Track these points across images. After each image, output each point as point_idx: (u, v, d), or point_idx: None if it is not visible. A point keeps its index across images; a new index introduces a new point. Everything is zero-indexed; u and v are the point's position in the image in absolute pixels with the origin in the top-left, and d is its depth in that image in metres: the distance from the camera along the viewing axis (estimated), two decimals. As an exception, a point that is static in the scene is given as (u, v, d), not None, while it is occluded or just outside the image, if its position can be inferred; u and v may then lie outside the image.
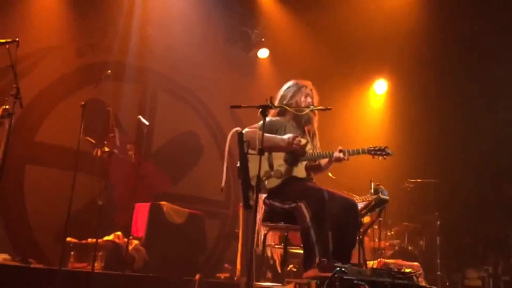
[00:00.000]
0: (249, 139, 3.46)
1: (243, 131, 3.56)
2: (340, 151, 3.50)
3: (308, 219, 3.26)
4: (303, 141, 3.56)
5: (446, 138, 7.62)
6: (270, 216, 3.61)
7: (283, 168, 3.55)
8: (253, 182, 3.43)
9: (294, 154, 3.57)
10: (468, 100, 7.44)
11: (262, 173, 3.43)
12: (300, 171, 3.61)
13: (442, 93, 7.65)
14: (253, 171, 3.32)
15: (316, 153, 3.64)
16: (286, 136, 3.54)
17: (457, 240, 7.05)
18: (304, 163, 3.64)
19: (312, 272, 3.09)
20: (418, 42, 7.40)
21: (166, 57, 7.32)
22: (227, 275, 6.13)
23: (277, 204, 3.52)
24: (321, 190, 3.35)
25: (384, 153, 3.51)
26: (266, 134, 3.41)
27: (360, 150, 3.51)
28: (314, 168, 3.74)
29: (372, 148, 3.52)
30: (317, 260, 3.14)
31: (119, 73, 6.74)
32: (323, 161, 3.73)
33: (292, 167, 3.57)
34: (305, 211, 3.29)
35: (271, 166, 3.55)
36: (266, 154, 3.50)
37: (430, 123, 7.67)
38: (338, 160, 3.51)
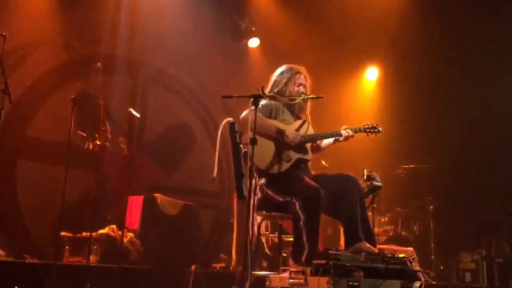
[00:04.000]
0: (248, 121, 3.39)
1: (243, 114, 3.54)
2: (346, 129, 3.61)
3: (301, 222, 3.28)
4: (298, 138, 3.54)
5: (437, 123, 7.65)
6: (265, 205, 3.61)
7: (292, 152, 3.56)
8: (262, 166, 3.45)
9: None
10: (459, 85, 7.47)
11: (269, 157, 3.46)
12: (308, 153, 3.63)
13: (433, 79, 7.67)
14: (259, 155, 3.30)
15: (321, 134, 3.66)
16: (290, 134, 3.53)
17: (450, 225, 7.10)
18: (309, 144, 3.65)
19: (294, 266, 3.18)
20: (409, 29, 7.40)
21: (156, 49, 7.26)
22: (223, 265, 6.15)
23: (271, 194, 3.52)
24: (318, 189, 3.31)
25: (375, 130, 3.65)
26: (265, 120, 3.45)
27: (357, 128, 3.64)
28: (313, 148, 3.76)
29: (366, 126, 3.66)
30: (303, 258, 3.20)
31: (109, 66, 6.67)
32: (325, 142, 3.77)
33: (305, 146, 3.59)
34: (300, 213, 3.30)
35: (279, 149, 3.54)
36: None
37: (421, 109, 7.69)
38: (347, 138, 3.61)
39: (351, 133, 3.58)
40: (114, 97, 6.67)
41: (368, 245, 3.21)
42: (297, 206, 3.31)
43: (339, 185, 3.42)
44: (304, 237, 3.25)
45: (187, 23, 7.34)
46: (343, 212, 3.39)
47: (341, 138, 3.62)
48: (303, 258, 3.22)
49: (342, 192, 3.39)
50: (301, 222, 3.27)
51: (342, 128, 3.61)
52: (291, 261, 3.32)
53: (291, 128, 3.63)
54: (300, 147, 3.58)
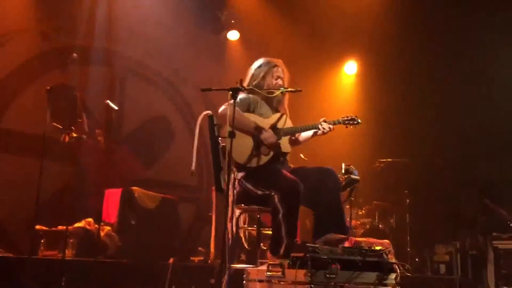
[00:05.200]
0: (225, 116, 3.37)
1: (221, 108, 3.52)
2: (325, 121, 3.59)
3: (280, 215, 3.28)
4: (272, 138, 3.53)
5: (415, 117, 7.75)
6: (244, 198, 3.61)
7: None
8: (240, 160, 3.44)
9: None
10: (438, 80, 7.58)
11: (248, 151, 3.45)
12: (285, 145, 3.62)
13: (411, 74, 7.76)
14: (237, 149, 3.29)
15: (299, 127, 3.65)
16: (266, 133, 3.51)
17: (426, 218, 7.23)
18: (287, 137, 3.65)
19: (272, 259, 3.19)
20: (387, 24, 7.47)
21: (134, 40, 7.18)
22: (201, 258, 6.14)
23: (251, 187, 3.52)
24: (297, 182, 3.31)
25: (355, 122, 3.64)
26: (242, 115, 3.43)
27: (336, 121, 3.63)
28: (291, 142, 3.74)
29: (345, 118, 3.64)
30: (282, 251, 3.22)
31: (86, 57, 6.59)
32: (304, 135, 3.76)
33: (278, 142, 3.57)
34: (279, 206, 3.30)
35: (257, 143, 3.53)
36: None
37: (399, 103, 7.78)
38: (326, 132, 3.59)
39: (328, 127, 3.56)
40: (91, 88, 6.58)
41: (337, 236, 3.24)
42: (276, 199, 3.31)
43: (318, 177, 3.44)
44: (283, 230, 3.26)
45: (166, 14, 7.27)
46: (318, 204, 3.41)
47: (319, 132, 3.61)
48: (282, 251, 3.23)
49: (320, 184, 3.41)
50: (280, 215, 3.28)
51: (320, 121, 3.60)
52: (269, 254, 3.33)
53: (268, 123, 3.62)
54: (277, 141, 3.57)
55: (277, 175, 3.40)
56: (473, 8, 7.04)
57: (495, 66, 7.08)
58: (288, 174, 3.42)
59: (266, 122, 3.63)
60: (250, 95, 3.69)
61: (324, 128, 3.57)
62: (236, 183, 3.57)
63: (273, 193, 3.35)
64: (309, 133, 3.72)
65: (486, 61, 7.10)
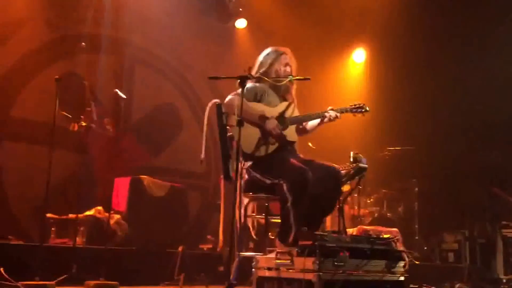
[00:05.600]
0: (231, 107, 3.43)
1: (227, 98, 3.52)
2: (332, 110, 3.58)
3: (289, 203, 3.27)
4: (277, 129, 3.51)
5: (424, 106, 7.70)
6: (252, 187, 3.62)
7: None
8: (247, 150, 3.44)
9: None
10: (444, 68, 7.51)
11: (254, 140, 3.45)
12: (291, 134, 3.61)
13: (420, 62, 7.69)
14: (244, 138, 3.29)
15: (306, 115, 3.64)
16: (269, 124, 3.49)
17: (434, 206, 7.21)
18: (294, 126, 3.64)
19: (280, 247, 3.20)
20: (397, 12, 7.39)
21: (142, 28, 7.17)
22: (210, 246, 6.18)
23: (258, 176, 3.52)
24: (305, 170, 3.30)
25: (363, 110, 3.64)
26: (248, 105, 3.40)
27: (344, 109, 3.63)
28: (299, 131, 3.74)
29: (353, 106, 3.65)
30: (291, 238, 3.22)
31: (94, 45, 6.58)
32: (311, 124, 3.74)
33: (282, 132, 3.56)
34: (287, 194, 3.28)
35: (264, 132, 3.52)
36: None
37: (407, 91, 7.73)
38: (333, 119, 3.58)
39: (334, 115, 3.56)
40: (100, 77, 6.59)
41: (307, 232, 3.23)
42: (285, 188, 3.31)
43: (322, 175, 3.40)
44: (292, 218, 3.26)
45: (173, 2, 7.24)
46: (314, 198, 3.40)
47: (325, 120, 3.59)
48: (291, 239, 3.23)
49: (321, 182, 3.38)
50: (289, 204, 3.27)
51: (328, 109, 3.59)
52: (278, 242, 3.34)
53: (276, 112, 3.60)
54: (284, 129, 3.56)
55: (285, 163, 3.40)
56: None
57: (504, 55, 7.00)
58: (296, 162, 3.41)
59: (273, 111, 3.62)
60: (257, 84, 3.68)
61: (331, 116, 3.57)
62: (244, 171, 3.58)
63: (281, 182, 3.34)
64: (316, 121, 3.70)
65: (495, 50, 7.02)
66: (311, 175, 3.29)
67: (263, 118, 3.50)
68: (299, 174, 3.29)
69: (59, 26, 6.44)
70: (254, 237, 5.33)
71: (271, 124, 3.49)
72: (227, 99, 3.55)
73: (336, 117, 3.58)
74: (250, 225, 5.34)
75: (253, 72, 3.65)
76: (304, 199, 3.29)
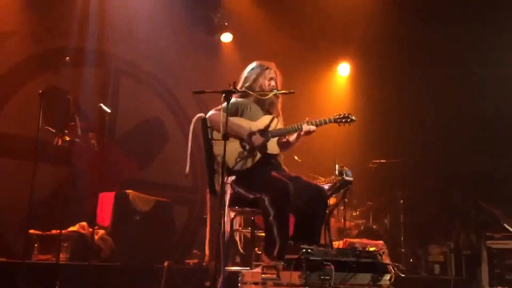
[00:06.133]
0: (214, 122, 3.47)
1: (208, 114, 3.54)
2: (308, 122, 3.53)
3: (271, 217, 3.28)
4: (259, 140, 3.52)
5: (408, 118, 7.78)
6: (236, 201, 3.61)
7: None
8: (229, 165, 3.45)
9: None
10: (429, 80, 7.61)
11: (235, 154, 3.45)
12: (273, 147, 3.61)
13: (404, 75, 7.79)
14: (228, 154, 3.28)
15: (284, 128, 3.64)
16: (246, 133, 3.52)
17: (420, 217, 7.25)
18: (276, 139, 3.64)
19: (267, 261, 3.19)
20: (379, 26, 7.50)
21: (127, 41, 7.16)
22: (196, 260, 6.13)
23: (242, 191, 3.52)
24: (286, 183, 3.31)
25: (349, 119, 3.57)
26: (231, 120, 3.41)
27: (327, 119, 3.57)
28: (283, 144, 3.73)
29: (337, 116, 3.58)
30: (275, 252, 3.21)
31: (78, 59, 6.55)
32: (292, 137, 3.73)
33: (266, 145, 3.56)
34: (269, 208, 3.29)
35: (243, 146, 3.53)
36: None
37: (392, 104, 7.81)
38: (309, 133, 3.52)
39: (312, 128, 3.50)
40: (84, 91, 6.55)
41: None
42: (266, 201, 3.31)
43: (309, 194, 3.42)
44: (275, 232, 3.26)
45: (159, 15, 7.26)
46: (300, 216, 3.43)
47: (302, 133, 3.55)
48: (275, 252, 3.23)
49: (309, 202, 3.40)
50: (271, 217, 3.28)
51: (305, 121, 3.54)
52: (264, 256, 3.33)
53: (257, 126, 3.62)
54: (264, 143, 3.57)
55: (266, 177, 3.41)
56: (468, 6, 7.07)
57: (488, 65, 7.12)
58: (278, 175, 3.43)
59: (254, 125, 3.63)
60: (239, 99, 3.70)
61: (306, 130, 3.52)
62: (229, 186, 3.58)
63: (263, 196, 3.34)
64: (295, 135, 3.69)
65: (479, 60, 7.13)
66: (292, 187, 3.30)
67: (243, 130, 3.53)
68: (280, 187, 3.30)
69: (43, 40, 6.40)
70: (241, 251, 5.30)
71: (252, 136, 3.52)
72: (209, 114, 3.56)
73: (312, 131, 3.52)
74: (237, 239, 5.31)
75: (238, 87, 3.66)
76: (286, 212, 3.29)
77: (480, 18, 7.04)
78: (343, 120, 3.57)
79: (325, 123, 3.57)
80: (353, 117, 3.58)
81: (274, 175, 3.42)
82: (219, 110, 3.51)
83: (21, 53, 6.23)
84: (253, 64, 3.80)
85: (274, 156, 3.64)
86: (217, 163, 3.47)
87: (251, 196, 3.46)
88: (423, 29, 7.49)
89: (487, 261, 6.02)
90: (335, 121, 3.58)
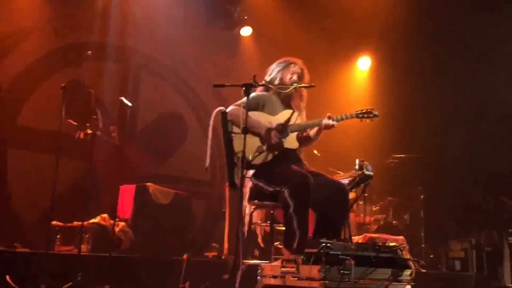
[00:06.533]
0: (233, 117, 3.47)
1: (228, 109, 3.55)
2: (329, 117, 3.50)
3: (291, 209, 3.28)
4: (275, 138, 3.51)
5: (429, 112, 7.68)
6: (256, 195, 3.62)
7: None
8: (248, 158, 3.45)
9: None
10: (450, 74, 7.49)
11: (254, 149, 3.45)
12: (291, 142, 3.60)
13: (424, 69, 7.69)
14: (247, 147, 3.28)
15: (304, 123, 3.63)
16: (264, 130, 3.53)
17: (440, 213, 7.17)
18: (295, 133, 3.63)
19: (287, 253, 3.19)
20: (401, 19, 7.39)
21: (147, 36, 7.21)
22: (215, 253, 6.16)
23: (262, 185, 3.53)
24: (306, 176, 3.31)
25: (371, 115, 3.52)
26: (249, 117, 3.41)
27: (349, 114, 3.53)
28: (303, 139, 3.72)
29: (359, 112, 3.53)
30: (295, 244, 3.21)
31: (100, 54, 6.63)
32: (312, 132, 3.70)
33: (282, 142, 3.55)
34: (289, 200, 3.29)
35: (263, 141, 3.53)
36: None
37: (413, 98, 7.72)
38: (328, 127, 3.50)
39: (331, 123, 3.48)
40: (105, 85, 6.63)
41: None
42: (286, 194, 3.31)
43: (330, 191, 3.42)
44: (295, 224, 3.26)
45: (178, 10, 7.28)
46: (322, 212, 3.42)
47: (322, 127, 3.53)
48: (295, 245, 3.22)
49: (329, 198, 3.40)
50: (291, 210, 3.27)
51: (326, 117, 3.52)
52: (284, 250, 3.33)
53: (277, 120, 3.61)
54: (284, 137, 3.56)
55: (286, 170, 3.41)
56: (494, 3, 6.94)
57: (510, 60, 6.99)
58: (298, 168, 3.43)
59: (274, 119, 3.62)
60: (260, 93, 3.70)
61: (326, 124, 3.50)
62: (248, 180, 3.59)
63: (283, 189, 3.34)
64: (316, 129, 3.68)
65: (505, 56, 7.00)
66: (312, 181, 3.29)
67: (262, 126, 3.53)
68: (300, 179, 3.30)
69: (65, 35, 6.49)
70: (261, 244, 5.32)
71: (269, 132, 3.51)
72: (229, 109, 3.56)
73: (332, 125, 3.49)
74: (258, 232, 5.33)
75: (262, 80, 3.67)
76: (306, 204, 3.29)
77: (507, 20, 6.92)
78: (366, 115, 3.52)
79: (347, 118, 3.53)
80: (376, 112, 3.52)
81: (294, 168, 3.42)
82: (239, 105, 3.51)
83: (44, 48, 6.32)
84: (281, 60, 3.80)
85: (293, 150, 3.63)
86: (236, 157, 3.48)
87: (270, 189, 3.46)
88: (446, 21, 7.36)
89: (509, 258, 5.93)
90: (357, 116, 3.53)
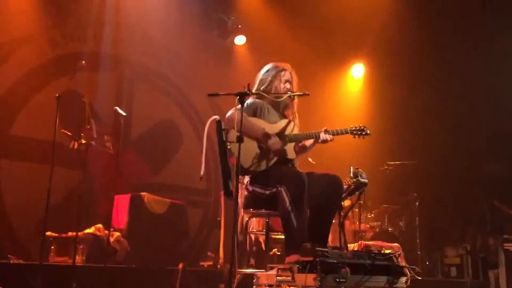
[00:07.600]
0: (232, 122, 3.42)
1: (228, 114, 3.54)
2: (326, 131, 3.54)
3: (287, 204, 3.27)
4: (278, 145, 3.53)
5: (423, 119, 7.72)
6: (252, 203, 3.61)
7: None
8: (246, 165, 3.45)
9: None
10: (444, 82, 7.54)
11: (252, 154, 3.46)
12: (290, 152, 3.61)
13: (418, 76, 7.74)
14: (243, 153, 3.29)
15: (303, 134, 3.65)
16: (270, 141, 3.51)
17: (435, 220, 7.18)
18: (293, 144, 3.64)
19: (294, 257, 3.11)
20: (394, 27, 7.45)
21: (141, 45, 7.22)
22: (210, 263, 6.15)
23: (258, 190, 3.52)
24: (300, 173, 3.35)
25: (363, 133, 3.57)
26: (249, 120, 3.42)
27: (344, 130, 3.57)
28: (299, 148, 3.73)
29: (353, 128, 3.58)
30: (295, 238, 3.19)
31: (94, 63, 6.63)
32: (308, 142, 3.73)
33: (285, 149, 3.57)
34: (285, 196, 3.30)
35: (262, 148, 3.53)
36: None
37: (406, 105, 7.76)
38: (325, 141, 3.54)
39: (329, 137, 3.54)
40: (100, 95, 6.61)
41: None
42: (283, 191, 3.31)
43: (322, 183, 3.43)
44: (294, 223, 3.22)
45: (172, 19, 7.31)
46: (315, 208, 3.41)
47: (319, 141, 3.58)
48: (297, 250, 3.15)
49: (322, 190, 3.41)
50: (287, 204, 3.27)
51: (322, 130, 3.56)
52: (287, 258, 3.28)
53: (275, 129, 3.62)
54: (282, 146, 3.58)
55: (282, 170, 3.45)
56: (485, 7, 7.00)
57: (505, 67, 7.04)
58: (291, 167, 3.45)
59: (273, 127, 3.63)
60: (257, 100, 3.70)
61: (323, 139, 3.55)
62: (244, 187, 3.58)
63: (279, 188, 3.34)
64: (311, 140, 3.70)
65: (496, 62, 7.05)
66: (306, 179, 3.30)
67: (266, 134, 3.52)
68: (295, 176, 3.32)
69: (59, 45, 6.49)
70: (263, 248, 5.29)
71: (273, 140, 3.51)
72: (228, 114, 3.56)
73: (328, 140, 3.55)
74: (261, 240, 5.32)
75: (254, 89, 3.66)
76: (302, 199, 3.28)
77: (497, 17, 6.97)
78: (358, 133, 3.59)
79: (341, 133, 3.58)
80: (368, 131, 3.59)
81: (288, 167, 3.47)
82: (238, 109, 3.50)
83: (38, 58, 6.31)
84: (269, 66, 3.79)
85: (289, 160, 3.63)
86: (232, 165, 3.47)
87: (267, 192, 3.46)
88: (439, 30, 7.42)
89: (504, 264, 5.94)
90: (351, 132, 3.59)
